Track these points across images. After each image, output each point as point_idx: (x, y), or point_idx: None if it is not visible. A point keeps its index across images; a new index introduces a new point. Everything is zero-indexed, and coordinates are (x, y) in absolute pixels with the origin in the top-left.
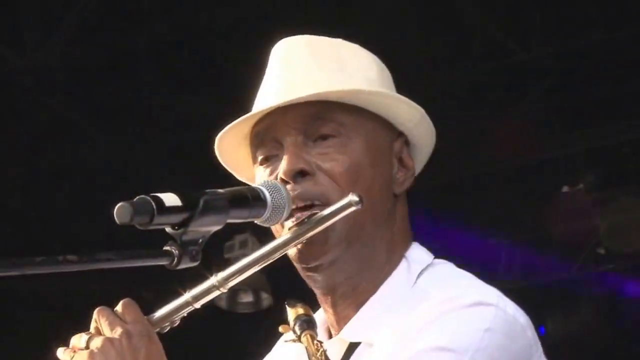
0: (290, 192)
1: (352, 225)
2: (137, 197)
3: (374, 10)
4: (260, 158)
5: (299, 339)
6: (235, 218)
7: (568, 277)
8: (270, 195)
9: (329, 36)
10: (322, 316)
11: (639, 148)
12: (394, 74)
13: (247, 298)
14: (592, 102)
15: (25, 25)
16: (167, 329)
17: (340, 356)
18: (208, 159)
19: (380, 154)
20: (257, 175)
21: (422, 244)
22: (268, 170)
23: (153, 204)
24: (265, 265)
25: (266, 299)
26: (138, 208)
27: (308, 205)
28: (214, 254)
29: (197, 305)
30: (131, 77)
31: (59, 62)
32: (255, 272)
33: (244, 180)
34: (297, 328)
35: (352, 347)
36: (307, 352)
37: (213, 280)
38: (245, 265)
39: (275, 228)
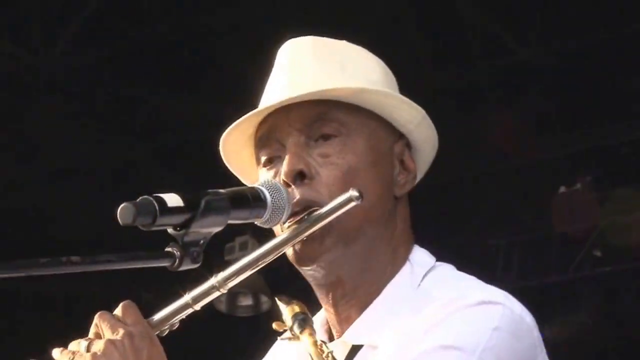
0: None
1: (349, 225)
2: (140, 198)
3: (374, 10)
4: (263, 159)
5: (297, 338)
6: (236, 219)
7: (566, 278)
8: (270, 195)
9: (329, 36)
10: (322, 316)
11: (638, 148)
12: (393, 74)
13: (246, 301)
14: (591, 102)
15: (27, 25)
16: (167, 332)
17: (343, 358)
18: (208, 158)
19: (381, 155)
20: (260, 178)
21: (421, 244)
22: (271, 172)
23: (156, 204)
24: (265, 266)
25: (265, 302)
26: (141, 209)
27: (304, 210)
28: (215, 256)
29: (197, 307)
30: (132, 76)
31: (60, 62)
32: (255, 275)
33: (247, 184)
34: (295, 327)
35: (355, 349)
36: (312, 353)
37: (213, 281)
38: (245, 265)
39: (275, 229)
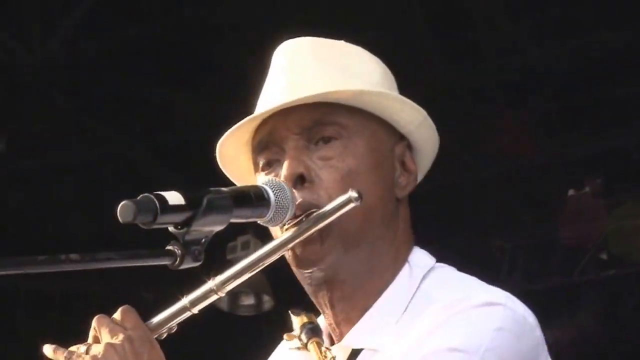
0: None
1: (349, 228)
2: (141, 196)
3: (374, 10)
4: (262, 163)
5: (305, 347)
6: (239, 218)
7: (570, 282)
8: (274, 194)
9: (329, 36)
10: (322, 322)
11: None
12: (394, 74)
13: (248, 300)
14: (598, 105)
15: (28, 21)
16: (165, 336)
17: None
18: (208, 157)
19: (382, 157)
20: (258, 182)
21: (422, 246)
22: (270, 177)
23: (157, 202)
24: (265, 267)
25: (267, 302)
26: (141, 207)
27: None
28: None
29: (195, 310)
30: (133, 75)
31: (61, 60)
32: (257, 274)
33: None
34: (303, 336)
35: (355, 353)
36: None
37: (211, 284)
38: (243, 268)
39: (274, 232)
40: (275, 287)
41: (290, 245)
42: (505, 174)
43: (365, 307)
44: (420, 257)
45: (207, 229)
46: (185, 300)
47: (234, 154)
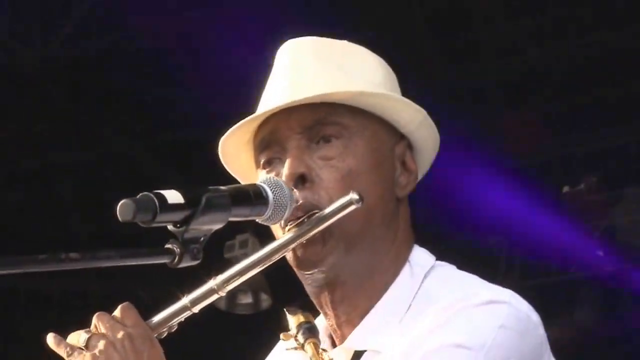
0: None
1: (350, 229)
2: (140, 194)
3: (374, 10)
4: (262, 161)
5: (302, 347)
6: (237, 216)
7: (567, 279)
8: (273, 192)
9: (329, 36)
10: (323, 323)
11: None
12: (398, 72)
13: (246, 299)
14: (598, 105)
15: (28, 21)
16: (165, 334)
17: None
18: (208, 157)
19: (383, 157)
20: (260, 179)
21: (422, 244)
22: (271, 174)
23: (156, 201)
24: (265, 268)
25: (266, 300)
26: (141, 205)
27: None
28: (214, 254)
29: (196, 309)
30: (133, 75)
31: (61, 59)
32: (255, 274)
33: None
34: (300, 336)
35: (358, 355)
36: None
37: (211, 283)
38: (244, 268)
39: (275, 232)
40: (274, 286)
41: (291, 246)
42: (504, 171)
43: (367, 307)
44: (420, 256)
45: (206, 227)
46: (185, 300)
47: (236, 152)
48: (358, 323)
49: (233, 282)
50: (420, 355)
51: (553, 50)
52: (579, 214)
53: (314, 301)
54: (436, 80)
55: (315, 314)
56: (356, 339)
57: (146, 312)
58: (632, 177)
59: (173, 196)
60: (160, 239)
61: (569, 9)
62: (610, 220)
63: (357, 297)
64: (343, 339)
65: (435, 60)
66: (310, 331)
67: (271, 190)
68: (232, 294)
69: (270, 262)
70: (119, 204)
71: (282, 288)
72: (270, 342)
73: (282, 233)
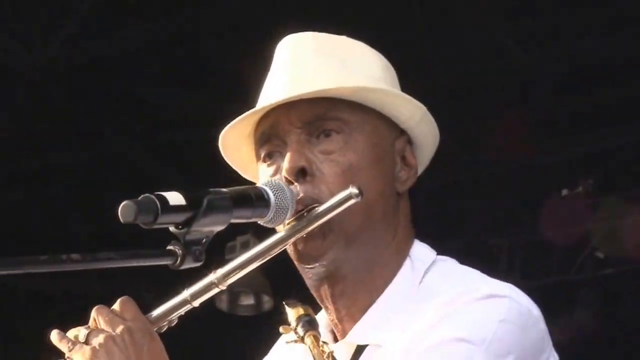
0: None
1: (351, 223)
2: (142, 196)
3: (374, 10)
4: (263, 155)
5: (302, 340)
6: (239, 218)
7: (567, 280)
8: (274, 195)
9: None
10: (324, 318)
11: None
12: (396, 74)
13: (248, 300)
14: (598, 105)
15: (28, 21)
16: (165, 329)
17: (348, 359)
18: (209, 157)
19: (383, 152)
20: (260, 172)
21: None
22: (271, 168)
23: (157, 202)
24: (265, 262)
25: (267, 302)
26: (142, 207)
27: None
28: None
29: (196, 303)
30: (132, 75)
31: (61, 60)
32: (257, 274)
33: (248, 179)
34: (299, 329)
35: (360, 349)
36: (312, 354)
37: (211, 277)
38: (244, 262)
39: (278, 227)
40: (274, 280)
41: (291, 240)
42: (505, 173)
43: (367, 302)
44: (421, 251)
45: (207, 229)
46: (186, 293)
47: (236, 145)
48: (359, 318)
49: (233, 275)
50: (422, 350)
51: (553, 50)
52: (577, 215)
53: (315, 295)
54: (436, 80)
55: (317, 308)
56: (358, 333)
57: (148, 312)
58: (628, 181)
59: (174, 198)
60: (160, 238)
61: (569, 9)
62: (606, 223)
63: (357, 291)
64: (344, 333)
65: (435, 60)
66: (310, 324)
67: (272, 192)
68: (234, 295)
69: (270, 256)
70: (121, 205)
71: (284, 287)
72: (270, 337)
73: (282, 228)
